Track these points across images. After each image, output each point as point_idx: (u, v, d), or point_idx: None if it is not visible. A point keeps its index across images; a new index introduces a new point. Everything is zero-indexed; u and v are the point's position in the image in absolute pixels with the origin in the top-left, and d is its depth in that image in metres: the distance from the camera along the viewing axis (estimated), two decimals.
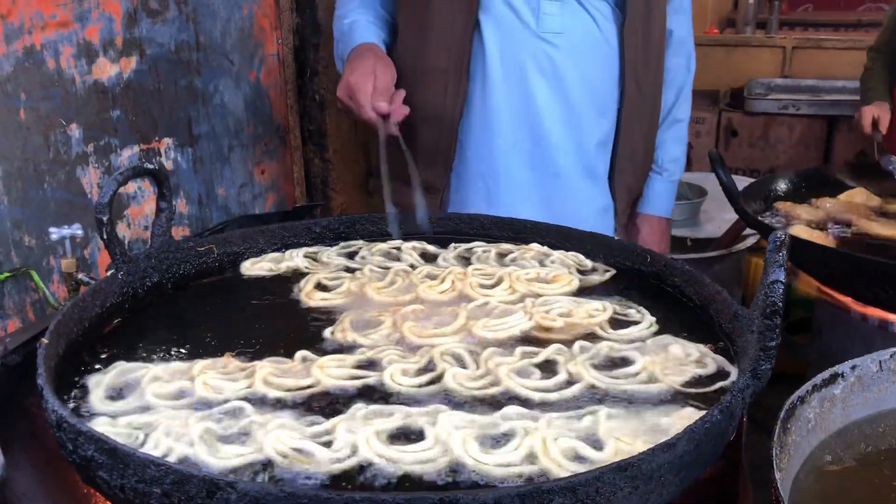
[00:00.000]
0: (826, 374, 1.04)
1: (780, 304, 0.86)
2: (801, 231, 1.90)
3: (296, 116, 2.27)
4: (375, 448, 0.85)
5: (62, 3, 1.49)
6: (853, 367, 1.07)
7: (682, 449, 0.77)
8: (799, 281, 1.90)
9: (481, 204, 1.75)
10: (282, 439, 0.85)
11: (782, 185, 2.16)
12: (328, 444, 0.86)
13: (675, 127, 1.96)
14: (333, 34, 1.80)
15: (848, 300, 1.77)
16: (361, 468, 0.82)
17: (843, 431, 1.06)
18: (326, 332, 1.12)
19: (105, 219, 1.15)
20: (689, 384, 0.98)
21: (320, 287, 1.27)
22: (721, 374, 1.00)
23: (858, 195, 2.10)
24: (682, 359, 1.03)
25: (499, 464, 0.83)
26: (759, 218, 1.88)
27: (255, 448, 0.84)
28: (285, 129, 2.15)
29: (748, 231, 2.53)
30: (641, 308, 1.18)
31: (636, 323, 1.14)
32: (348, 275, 1.31)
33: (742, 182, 2.11)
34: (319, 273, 1.32)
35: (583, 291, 1.26)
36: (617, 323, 1.15)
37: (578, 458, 0.84)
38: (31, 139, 1.46)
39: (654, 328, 1.13)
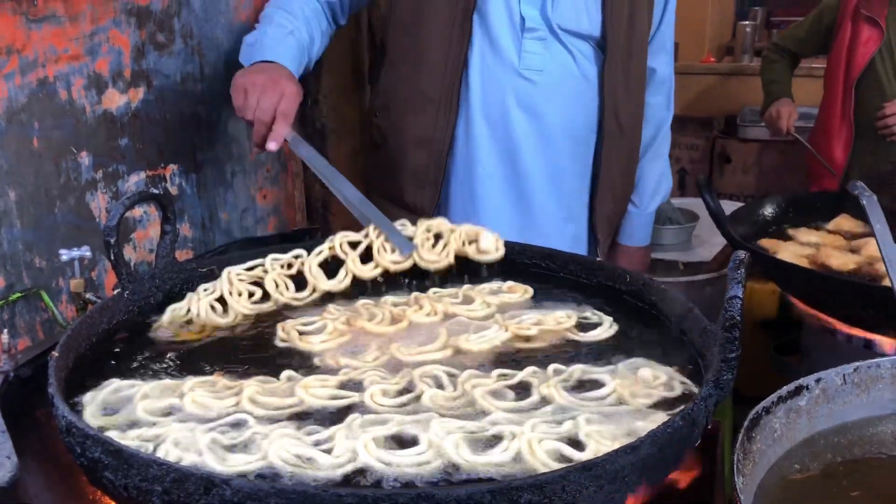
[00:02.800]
0: (791, 386, 1.10)
1: (739, 317, 0.92)
2: (788, 255, 1.96)
3: None
4: (374, 453, 0.91)
5: (74, 37, 1.58)
6: (818, 380, 1.12)
7: (645, 451, 0.83)
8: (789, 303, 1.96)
9: None
10: (285, 447, 0.91)
11: (769, 210, 2.23)
12: (328, 452, 0.92)
13: (655, 162, 2.04)
14: (259, 20, 1.80)
15: (834, 321, 1.82)
16: (362, 472, 0.88)
17: (808, 441, 1.11)
18: (316, 360, 1.17)
19: (113, 240, 1.22)
20: (655, 406, 1.03)
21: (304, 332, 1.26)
22: (687, 397, 1.04)
23: (846, 222, 2.15)
24: (651, 382, 1.07)
25: (489, 464, 0.90)
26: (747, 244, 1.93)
27: (261, 456, 0.90)
28: (287, 157, 2.23)
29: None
30: (598, 312, 1.29)
31: (598, 325, 1.25)
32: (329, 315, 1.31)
33: (734, 208, 2.18)
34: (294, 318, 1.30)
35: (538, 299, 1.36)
36: (581, 327, 1.26)
37: (562, 458, 0.90)
38: (44, 166, 1.54)
39: (615, 328, 1.25)
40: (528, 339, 1.22)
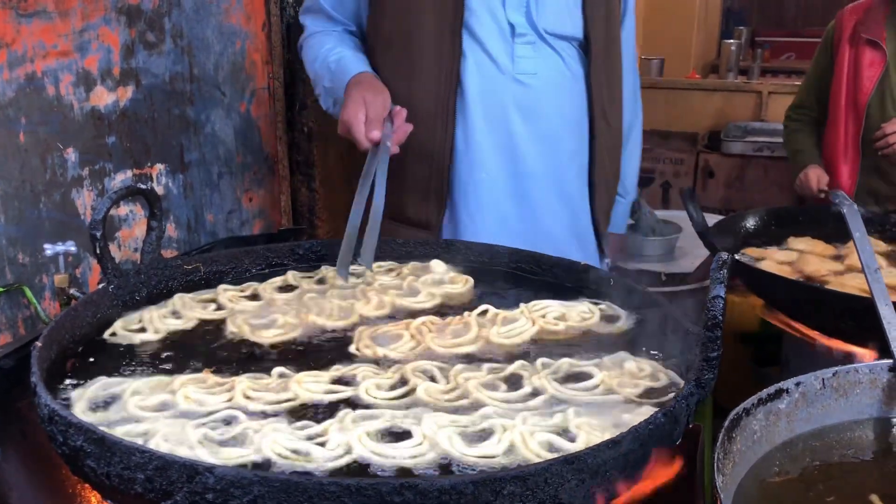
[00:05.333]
0: (772, 389, 1.10)
1: (721, 317, 0.93)
2: (769, 265, 1.98)
3: (284, 147, 2.35)
4: (368, 446, 0.91)
5: (64, 33, 1.58)
6: (797, 384, 1.13)
7: (626, 446, 0.84)
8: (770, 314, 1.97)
9: (468, 237, 1.83)
10: (279, 441, 0.91)
11: (751, 223, 2.26)
12: (322, 445, 0.92)
13: (632, 155, 2.13)
14: (311, 74, 1.85)
15: (814, 333, 1.84)
16: (357, 465, 0.89)
17: (788, 444, 1.12)
18: (352, 349, 1.19)
19: (99, 234, 1.22)
20: (642, 396, 1.05)
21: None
22: (672, 386, 1.07)
23: (818, 245, 2.17)
24: (637, 373, 1.10)
25: (482, 455, 0.90)
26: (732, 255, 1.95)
27: (254, 450, 0.90)
28: (274, 159, 2.24)
29: None
30: (613, 305, 1.33)
31: (619, 318, 1.30)
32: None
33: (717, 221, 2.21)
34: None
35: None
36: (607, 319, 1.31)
37: (554, 449, 0.91)
38: (29, 161, 1.53)
39: (633, 320, 1.28)
40: (554, 332, 1.26)
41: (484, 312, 1.30)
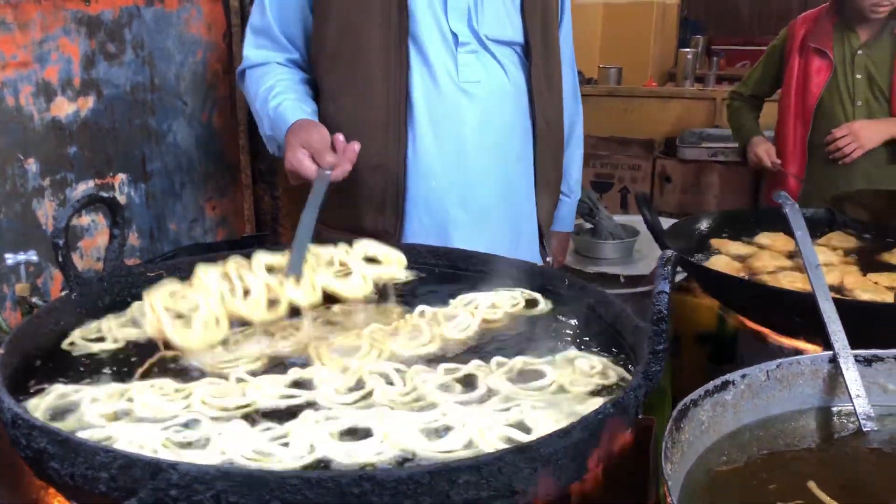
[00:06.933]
0: (718, 381, 1.15)
1: (665, 311, 0.98)
2: (720, 264, 2.04)
3: (247, 156, 2.37)
4: (331, 445, 0.93)
5: (23, 44, 1.59)
6: (743, 376, 1.18)
7: (577, 436, 0.88)
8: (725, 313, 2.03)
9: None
10: (242, 442, 0.92)
11: (704, 225, 2.32)
12: (286, 446, 0.93)
13: (575, 154, 2.20)
14: (253, 111, 1.86)
15: (766, 330, 1.89)
16: (321, 463, 0.91)
17: (735, 434, 1.17)
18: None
19: (61, 242, 1.23)
20: (594, 393, 1.09)
21: None
22: (623, 381, 1.11)
23: (778, 240, 2.24)
24: (588, 371, 1.13)
25: (443, 450, 0.93)
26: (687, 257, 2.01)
27: (219, 452, 0.91)
28: (236, 168, 2.25)
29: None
30: (526, 290, 1.40)
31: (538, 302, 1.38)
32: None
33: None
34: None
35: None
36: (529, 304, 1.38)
37: (511, 442, 0.94)
38: None
39: (551, 305, 1.36)
40: (494, 321, 1.32)
41: (422, 313, 1.33)
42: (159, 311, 1.19)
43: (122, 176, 1.87)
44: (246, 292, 1.28)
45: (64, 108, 1.70)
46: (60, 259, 1.24)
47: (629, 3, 6.11)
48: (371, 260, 1.46)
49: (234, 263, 1.31)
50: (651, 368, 0.99)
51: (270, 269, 1.34)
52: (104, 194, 1.32)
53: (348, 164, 1.60)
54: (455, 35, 1.82)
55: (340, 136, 1.63)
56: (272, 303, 1.30)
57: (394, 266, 1.44)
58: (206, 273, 1.27)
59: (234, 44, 2.22)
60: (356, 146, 1.62)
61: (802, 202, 3.04)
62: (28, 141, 1.62)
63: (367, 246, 1.47)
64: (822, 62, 3.12)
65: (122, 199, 1.86)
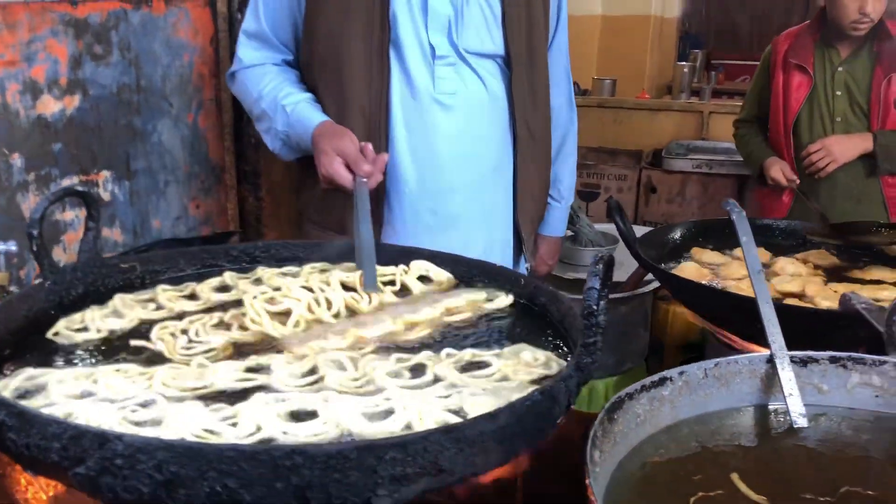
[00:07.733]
0: (656, 377, 1.20)
1: (595, 306, 1.03)
2: (688, 270, 2.08)
3: (232, 157, 2.43)
4: (277, 425, 0.98)
5: (11, 44, 1.65)
6: (681, 373, 1.23)
7: (503, 420, 0.93)
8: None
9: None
10: (193, 421, 0.98)
11: (678, 234, 2.37)
12: (234, 426, 0.99)
13: (568, 160, 2.21)
14: (256, 110, 1.89)
15: (732, 337, 1.94)
16: (265, 443, 0.96)
17: (672, 428, 1.21)
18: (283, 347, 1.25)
19: (36, 233, 1.29)
20: (535, 382, 1.15)
21: None
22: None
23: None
24: (532, 362, 1.19)
25: (382, 433, 0.98)
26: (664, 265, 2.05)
27: (171, 431, 0.96)
28: (221, 169, 2.31)
29: (651, 276, 2.73)
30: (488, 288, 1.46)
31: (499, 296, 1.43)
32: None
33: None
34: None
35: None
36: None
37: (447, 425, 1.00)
38: None
39: (510, 299, 1.41)
40: (456, 312, 1.38)
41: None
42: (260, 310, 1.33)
43: (106, 173, 1.94)
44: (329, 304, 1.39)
45: (50, 107, 1.76)
46: (35, 248, 1.30)
47: (627, 17, 6.18)
48: (423, 279, 1.52)
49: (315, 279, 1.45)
50: (582, 360, 1.04)
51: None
52: (79, 187, 1.37)
53: (380, 175, 1.64)
54: (433, 48, 1.87)
55: (370, 146, 1.67)
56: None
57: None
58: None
59: (220, 48, 2.28)
60: (385, 157, 1.67)
61: (791, 215, 3.10)
62: (14, 137, 1.68)
63: (421, 266, 1.54)
64: (803, 78, 3.17)
65: (106, 196, 1.92)
